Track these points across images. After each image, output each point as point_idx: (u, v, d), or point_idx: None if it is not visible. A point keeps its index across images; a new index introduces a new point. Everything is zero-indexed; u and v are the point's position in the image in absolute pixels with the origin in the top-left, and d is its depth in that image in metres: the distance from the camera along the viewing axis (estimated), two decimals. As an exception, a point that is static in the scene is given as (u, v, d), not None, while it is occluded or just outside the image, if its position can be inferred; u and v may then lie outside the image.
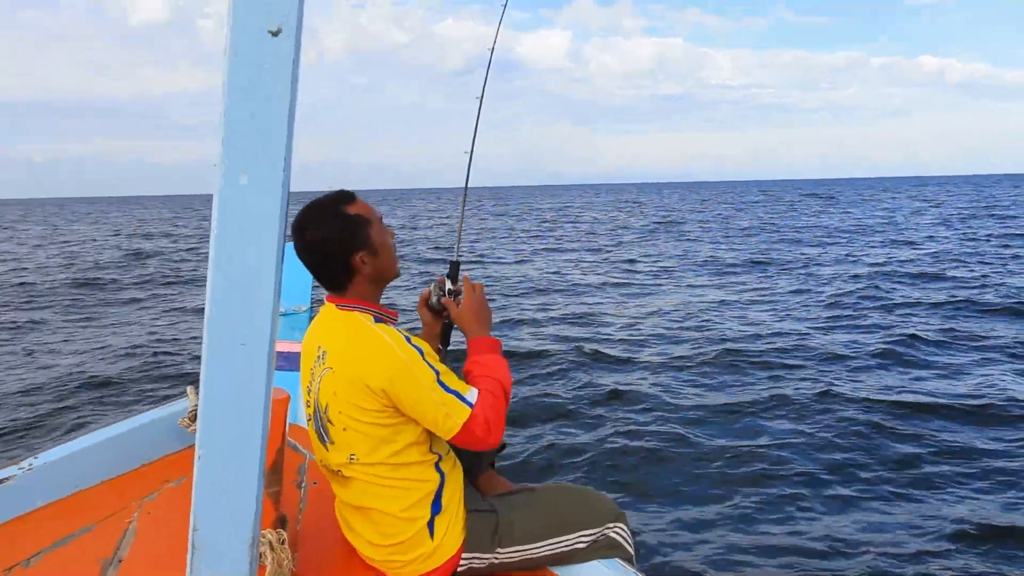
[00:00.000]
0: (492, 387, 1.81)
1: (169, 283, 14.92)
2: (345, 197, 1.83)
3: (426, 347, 1.77)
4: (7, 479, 1.99)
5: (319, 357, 1.81)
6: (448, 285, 2.05)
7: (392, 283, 1.95)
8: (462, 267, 2.12)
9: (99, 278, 15.51)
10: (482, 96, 2.38)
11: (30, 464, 2.07)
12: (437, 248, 21.84)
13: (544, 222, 36.04)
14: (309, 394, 1.85)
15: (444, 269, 2.11)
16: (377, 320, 1.80)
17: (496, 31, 2.47)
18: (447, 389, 1.72)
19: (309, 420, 1.87)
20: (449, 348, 2.15)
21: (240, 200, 0.90)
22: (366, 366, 1.69)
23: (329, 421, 1.78)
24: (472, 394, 1.76)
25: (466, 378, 1.86)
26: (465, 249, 20.60)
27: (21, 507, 2.01)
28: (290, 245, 3.00)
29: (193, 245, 24.61)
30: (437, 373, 1.72)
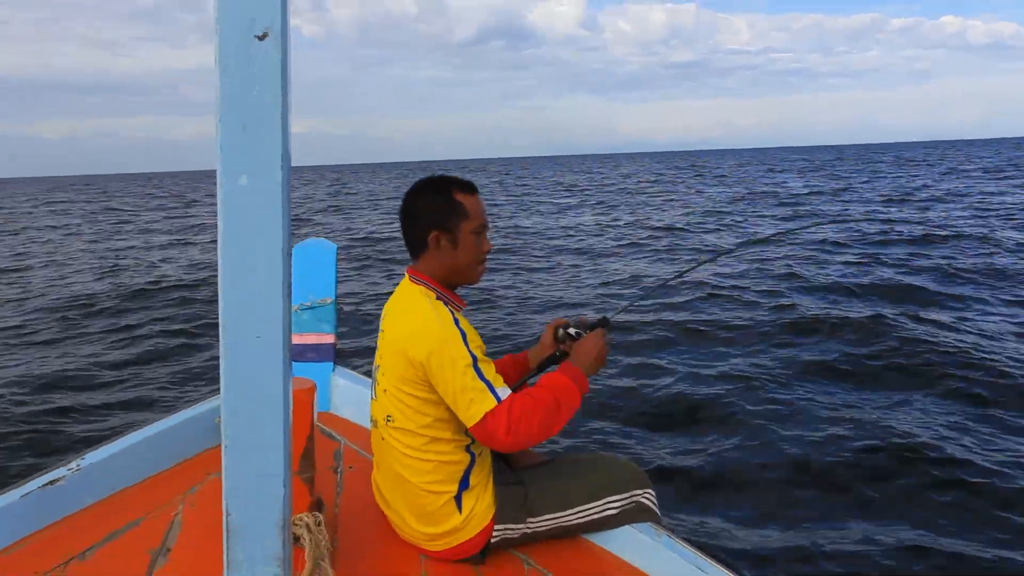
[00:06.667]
0: (541, 396, 1.79)
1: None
2: (463, 185, 1.90)
3: (472, 334, 1.81)
4: (58, 479, 2.08)
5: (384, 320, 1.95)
6: (585, 330, 2.07)
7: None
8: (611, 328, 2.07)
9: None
10: None
11: (78, 464, 2.16)
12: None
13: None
14: (376, 352, 1.99)
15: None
16: (439, 299, 1.86)
17: None
18: (480, 376, 1.74)
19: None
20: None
21: (242, 200, 0.93)
22: (410, 338, 1.77)
23: (375, 380, 1.93)
24: (504, 390, 1.76)
25: (532, 383, 1.88)
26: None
27: (72, 506, 2.10)
28: (309, 241, 3.05)
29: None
30: (475, 359, 1.75)
